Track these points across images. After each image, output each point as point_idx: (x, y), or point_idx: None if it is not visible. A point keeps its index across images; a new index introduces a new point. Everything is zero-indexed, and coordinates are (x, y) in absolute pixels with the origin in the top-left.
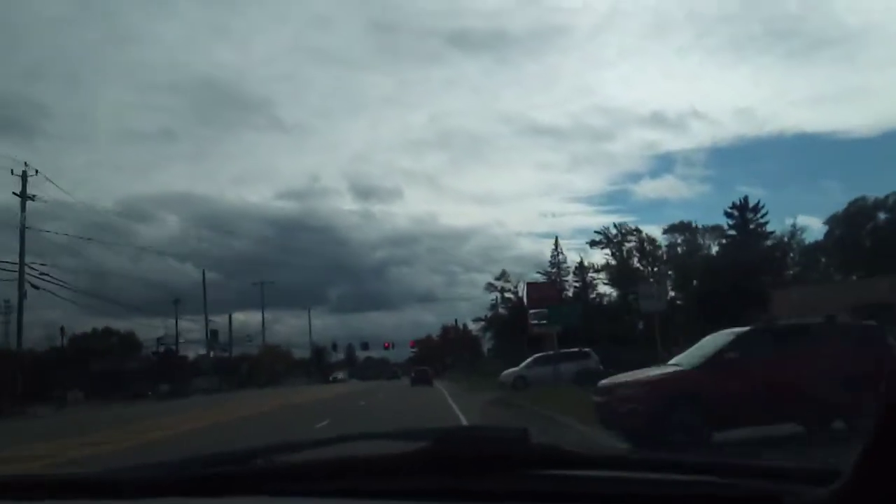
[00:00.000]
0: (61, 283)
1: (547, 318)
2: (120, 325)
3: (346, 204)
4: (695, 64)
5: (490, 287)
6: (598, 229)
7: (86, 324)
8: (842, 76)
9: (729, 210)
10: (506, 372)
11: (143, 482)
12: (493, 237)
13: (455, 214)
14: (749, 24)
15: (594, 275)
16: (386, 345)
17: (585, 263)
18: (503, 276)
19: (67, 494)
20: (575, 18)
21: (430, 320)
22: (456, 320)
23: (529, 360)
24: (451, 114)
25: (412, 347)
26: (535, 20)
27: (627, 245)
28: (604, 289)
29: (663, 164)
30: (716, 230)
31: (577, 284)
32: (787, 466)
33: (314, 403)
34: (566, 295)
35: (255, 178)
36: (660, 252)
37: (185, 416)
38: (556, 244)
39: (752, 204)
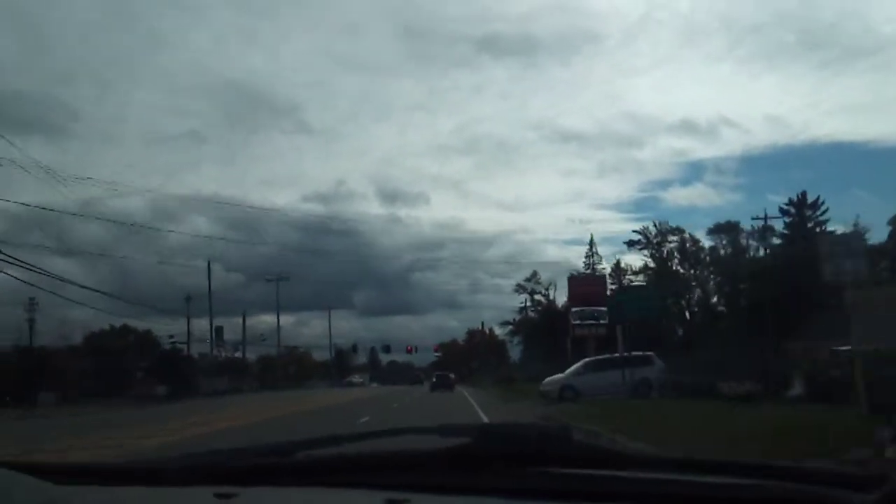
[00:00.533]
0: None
1: (615, 309)
2: (147, 325)
3: (373, 208)
4: (726, 72)
5: (519, 289)
6: (636, 229)
7: (116, 323)
8: (877, 85)
9: (784, 206)
10: (549, 379)
11: (190, 470)
12: (520, 243)
13: (481, 220)
14: (782, 33)
15: (632, 277)
16: (409, 348)
17: (622, 265)
18: (533, 277)
19: (117, 481)
20: (605, 24)
21: (454, 325)
22: (482, 323)
23: (578, 365)
24: (479, 119)
25: (436, 352)
26: (565, 25)
27: (668, 246)
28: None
29: (693, 171)
30: (767, 230)
31: (613, 287)
32: (834, 471)
33: (298, 416)
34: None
35: (282, 182)
36: (703, 254)
37: (133, 432)
38: (591, 244)
39: (810, 200)
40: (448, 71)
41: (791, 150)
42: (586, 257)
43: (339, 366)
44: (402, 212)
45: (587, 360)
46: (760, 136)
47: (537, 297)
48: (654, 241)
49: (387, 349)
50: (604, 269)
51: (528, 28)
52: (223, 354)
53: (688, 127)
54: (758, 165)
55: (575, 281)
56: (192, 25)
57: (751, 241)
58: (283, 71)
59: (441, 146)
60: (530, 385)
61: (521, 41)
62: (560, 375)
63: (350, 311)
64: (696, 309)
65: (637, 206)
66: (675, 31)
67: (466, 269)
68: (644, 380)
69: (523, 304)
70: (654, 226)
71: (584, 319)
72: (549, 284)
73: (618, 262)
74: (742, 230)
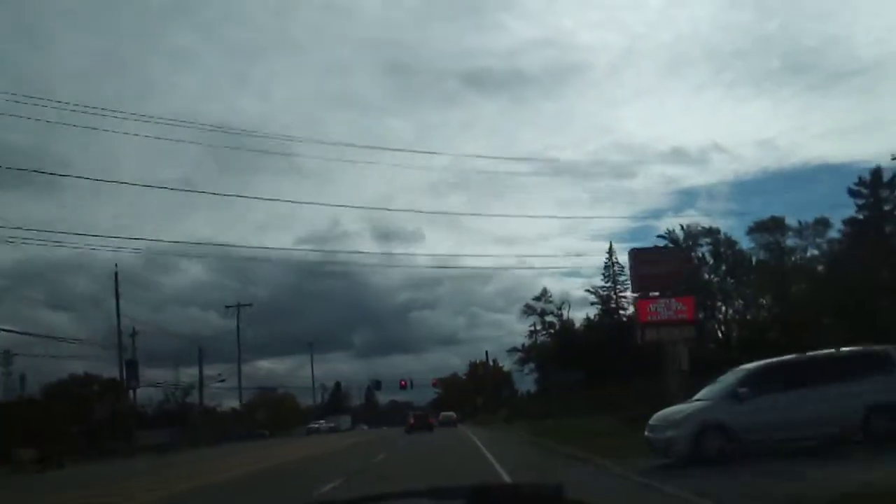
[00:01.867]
0: None
1: None
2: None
3: (367, 247)
4: (714, 99)
5: (527, 310)
6: (660, 234)
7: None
8: (863, 107)
9: (855, 187)
10: (667, 414)
11: None
12: (516, 277)
13: (477, 256)
14: (767, 58)
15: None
16: (402, 383)
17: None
18: (544, 295)
19: None
20: (591, 57)
21: (454, 362)
22: (487, 353)
23: (733, 377)
24: (471, 155)
25: (434, 387)
26: (552, 59)
27: (700, 250)
28: None
29: (686, 199)
30: (820, 224)
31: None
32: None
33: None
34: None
35: (275, 224)
36: (746, 255)
37: None
38: (610, 250)
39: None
40: (438, 107)
41: (782, 172)
42: (605, 268)
43: (333, 409)
44: (398, 250)
45: (754, 366)
46: (751, 161)
47: (549, 318)
48: (683, 245)
49: (377, 385)
50: (625, 279)
51: (515, 63)
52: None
53: (679, 155)
54: (750, 189)
55: (642, 256)
56: (182, 72)
57: (799, 241)
58: (274, 113)
59: (434, 182)
60: (565, 421)
61: (509, 76)
62: (690, 406)
63: (347, 352)
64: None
65: (632, 236)
66: (661, 61)
67: (464, 306)
68: (881, 405)
69: (533, 328)
70: (682, 228)
71: (668, 311)
72: (563, 303)
73: None
74: (788, 228)
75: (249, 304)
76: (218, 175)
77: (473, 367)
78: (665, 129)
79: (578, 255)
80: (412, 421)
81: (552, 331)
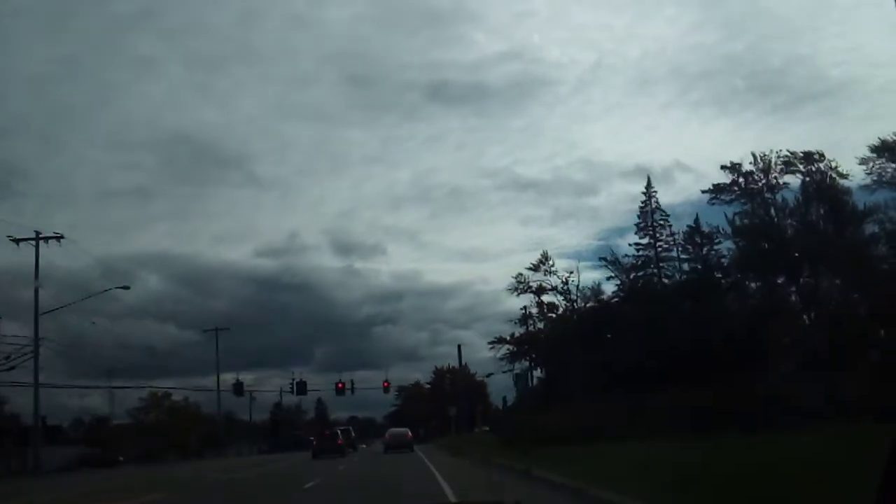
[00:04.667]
0: None
1: None
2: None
3: (328, 261)
4: (679, 118)
5: (519, 286)
6: (724, 164)
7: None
8: (826, 129)
9: None
10: None
11: None
12: (479, 294)
13: (440, 271)
14: (732, 78)
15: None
16: (339, 385)
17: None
18: (543, 263)
19: None
20: (558, 73)
21: (416, 378)
22: (460, 348)
23: None
24: (434, 170)
25: (386, 388)
26: (517, 74)
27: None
28: None
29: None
30: None
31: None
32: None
33: None
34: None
35: (235, 237)
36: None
37: None
38: (649, 184)
39: None
40: (402, 121)
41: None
42: (643, 204)
43: (276, 429)
44: (359, 264)
45: None
46: (715, 181)
47: (550, 295)
48: (760, 183)
49: (301, 388)
50: (671, 228)
51: (479, 77)
52: None
53: (642, 173)
54: (713, 209)
55: None
56: (143, 80)
57: None
58: (235, 124)
59: (396, 197)
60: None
61: (474, 90)
62: None
63: (307, 367)
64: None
65: (595, 254)
66: (627, 79)
67: (426, 322)
68: None
69: (526, 311)
70: (758, 158)
71: None
72: (570, 272)
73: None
74: None
75: (227, 328)
76: (175, 186)
77: (439, 374)
78: (630, 146)
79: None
80: (314, 441)
81: (555, 313)
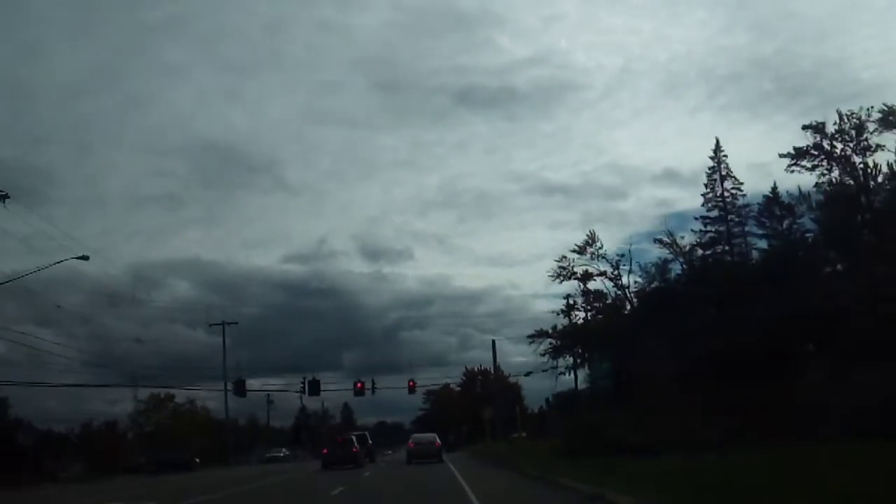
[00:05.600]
0: None
1: None
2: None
3: (357, 266)
4: (708, 122)
5: (562, 271)
6: (806, 123)
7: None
8: (794, 178)
9: None
10: None
11: None
12: (508, 299)
13: (468, 276)
14: (761, 82)
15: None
16: (359, 385)
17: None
18: (591, 242)
19: None
20: (586, 77)
21: (447, 382)
22: (494, 343)
23: None
24: (462, 174)
25: (411, 388)
26: (546, 79)
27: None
28: None
29: (679, 222)
30: None
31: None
32: None
33: None
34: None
35: (263, 242)
36: None
37: None
38: (717, 147)
39: None
40: (430, 126)
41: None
42: (710, 171)
43: (298, 434)
44: (387, 269)
45: None
46: (745, 185)
47: (597, 281)
48: (859, 140)
49: (314, 388)
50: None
51: (507, 81)
52: None
53: (671, 177)
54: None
55: None
56: (169, 86)
57: None
58: (265, 130)
59: (425, 202)
60: None
61: (502, 94)
62: None
63: (335, 372)
64: None
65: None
66: (655, 83)
67: (455, 327)
68: None
69: (568, 300)
70: (844, 118)
71: None
72: (622, 255)
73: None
74: None
75: (235, 322)
76: (205, 191)
77: (470, 375)
78: (658, 150)
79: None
80: (325, 450)
81: (602, 302)
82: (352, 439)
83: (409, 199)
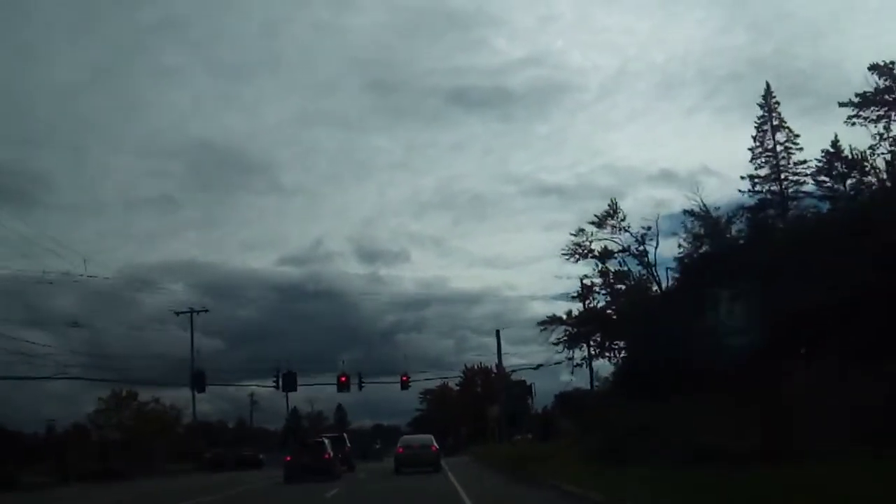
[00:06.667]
0: None
1: None
2: None
3: (353, 268)
4: (705, 122)
5: (578, 248)
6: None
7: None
8: (856, 132)
9: None
10: None
11: None
12: (505, 300)
13: (464, 278)
14: (758, 82)
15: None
16: (342, 378)
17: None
18: (613, 213)
19: None
20: (582, 78)
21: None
22: (498, 333)
23: None
24: (458, 176)
25: (404, 383)
26: (541, 80)
27: None
28: None
29: (675, 223)
30: None
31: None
32: None
33: None
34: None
35: (259, 244)
36: None
37: None
38: (768, 90)
39: None
40: (425, 127)
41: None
42: (758, 124)
43: (289, 436)
44: (383, 271)
45: None
46: (742, 185)
47: (617, 259)
48: None
49: (290, 383)
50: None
51: (503, 82)
52: None
53: (668, 178)
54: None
55: None
56: (165, 88)
57: None
58: (260, 132)
59: (421, 204)
60: None
61: (497, 95)
62: None
63: (331, 374)
64: None
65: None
66: (651, 83)
67: (451, 329)
68: None
69: (586, 280)
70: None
71: None
72: (648, 228)
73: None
74: None
75: (206, 310)
76: (201, 193)
77: (469, 373)
78: (655, 151)
79: (569, 277)
80: (288, 457)
81: (626, 283)
82: (323, 442)
83: (405, 200)
